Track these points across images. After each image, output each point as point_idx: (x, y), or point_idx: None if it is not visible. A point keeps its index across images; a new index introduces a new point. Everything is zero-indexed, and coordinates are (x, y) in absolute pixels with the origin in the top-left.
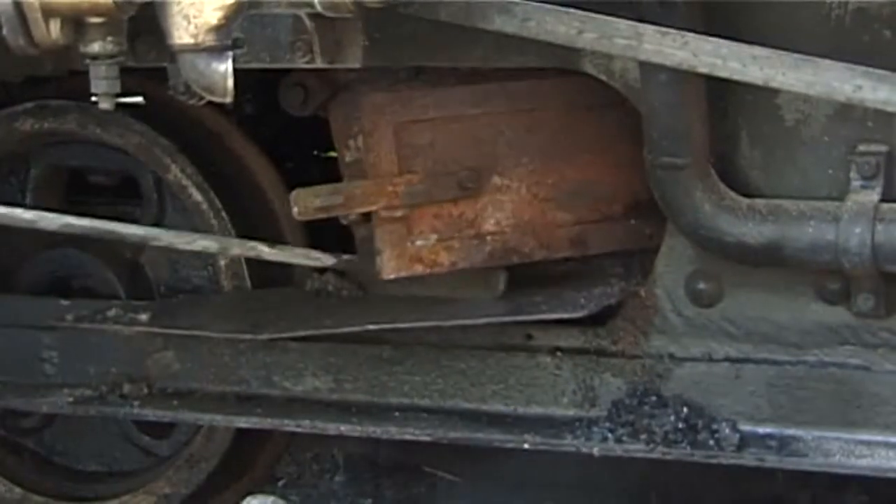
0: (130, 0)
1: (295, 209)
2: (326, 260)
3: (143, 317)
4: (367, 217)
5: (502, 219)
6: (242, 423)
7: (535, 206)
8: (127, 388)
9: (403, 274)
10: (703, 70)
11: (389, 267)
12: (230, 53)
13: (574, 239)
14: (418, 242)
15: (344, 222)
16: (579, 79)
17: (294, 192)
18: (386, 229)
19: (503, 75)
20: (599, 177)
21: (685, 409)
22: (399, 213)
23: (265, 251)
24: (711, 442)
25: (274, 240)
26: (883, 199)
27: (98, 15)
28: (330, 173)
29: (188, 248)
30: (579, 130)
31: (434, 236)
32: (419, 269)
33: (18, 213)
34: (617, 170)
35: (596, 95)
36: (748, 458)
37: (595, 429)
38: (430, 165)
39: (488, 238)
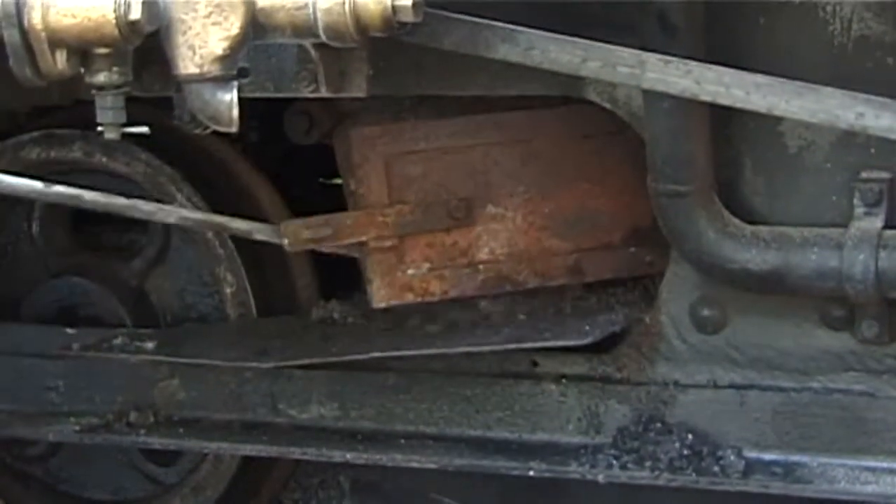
0: (136, 29)
1: (285, 241)
2: None
3: (149, 345)
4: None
5: (497, 248)
6: (248, 450)
7: (530, 235)
8: (133, 416)
9: (394, 302)
10: (706, 98)
11: (380, 295)
12: (235, 83)
13: (571, 267)
14: (410, 271)
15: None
16: (575, 108)
17: (283, 224)
18: (376, 258)
19: (497, 106)
20: (597, 205)
21: (690, 436)
22: (388, 244)
23: None
24: (716, 469)
25: (280, 266)
26: (886, 226)
27: (104, 45)
28: (335, 201)
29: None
30: (575, 159)
31: (426, 265)
32: (410, 297)
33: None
34: (614, 197)
35: (592, 124)
36: (753, 485)
37: (600, 456)
38: (421, 196)
39: (481, 267)
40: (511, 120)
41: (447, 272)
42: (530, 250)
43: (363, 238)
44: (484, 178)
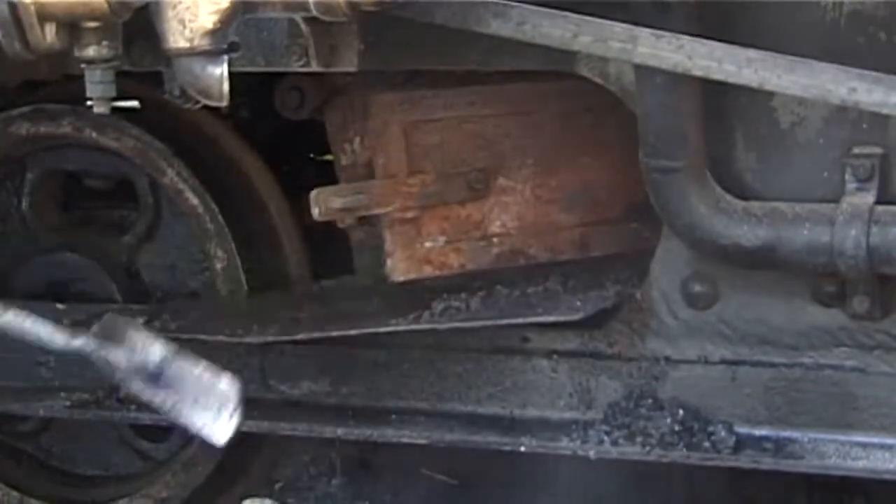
0: (126, 3)
1: (315, 210)
2: None
3: (140, 321)
4: (364, 220)
5: (507, 221)
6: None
7: (538, 209)
8: (124, 391)
9: (413, 276)
10: (698, 73)
11: (400, 269)
12: (225, 57)
13: (577, 241)
14: (427, 244)
15: (341, 225)
16: (580, 81)
17: (314, 192)
18: (396, 231)
19: (494, 79)
20: (601, 179)
21: (681, 412)
22: (410, 215)
23: None
24: (707, 444)
25: (271, 242)
26: (878, 202)
27: (93, 19)
28: (325, 176)
29: None
30: (582, 132)
31: (443, 238)
32: (428, 270)
33: None
34: (618, 172)
35: (597, 97)
36: (744, 461)
37: (591, 431)
38: (439, 166)
39: (495, 240)
40: (522, 91)
41: (464, 245)
42: (539, 224)
43: (389, 209)
44: (496, 149)
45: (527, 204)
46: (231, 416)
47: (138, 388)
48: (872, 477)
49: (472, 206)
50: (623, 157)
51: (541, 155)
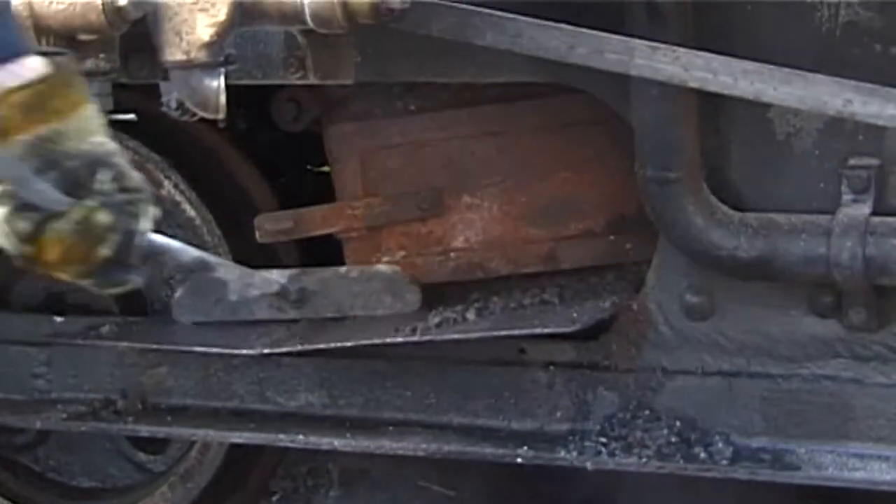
0: (123, 16)
1: (258, 233)
2: None
3: (137, 333)
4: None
5: (471, 236)
6: (236, 438)
7: (505, 224)
8: (121, 403)
9: None
10: (694, 84)
11: None
12: (222, 70)
13: (545, 255)
14: (384, 259)
15: (337, 237)
16: (552, 99)
17: (258, 218)
18: (352, 247)
19: (480, 95)
20: (574, 193)
21: (678, 423)
22: (355, 235)
23: None
24: (704, 455)
25: (268, 253)
26: (874, 213)
27: (90, 32)
28: (323, 188)
29: None
30: (552, 149)
31: (401, 253)
32: None
33: None
34: (592, 186)
35: (570, 114)
36: (741, 472)
37: (588, 443)
38: (394, 188)
39: (453, 255)
40: (487, 112)
41: (419, 260)
42: (504, 238)
43: (332, 230)
44: (460, 170)
45: (493, 220)
46: None
47: None
48: (870, 488)
49: (433, 223)
50: (597, 170)
51: (509, 173)
